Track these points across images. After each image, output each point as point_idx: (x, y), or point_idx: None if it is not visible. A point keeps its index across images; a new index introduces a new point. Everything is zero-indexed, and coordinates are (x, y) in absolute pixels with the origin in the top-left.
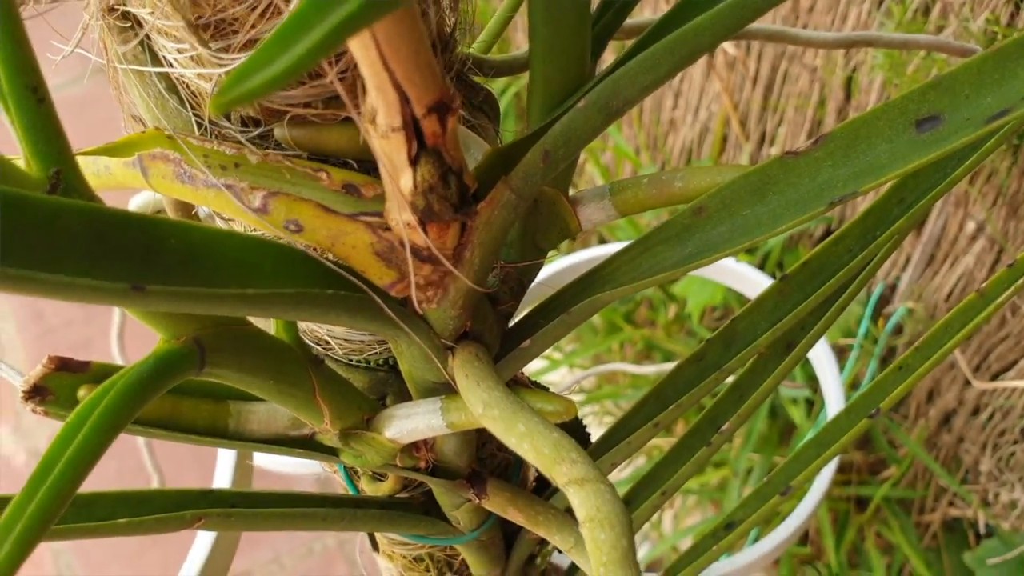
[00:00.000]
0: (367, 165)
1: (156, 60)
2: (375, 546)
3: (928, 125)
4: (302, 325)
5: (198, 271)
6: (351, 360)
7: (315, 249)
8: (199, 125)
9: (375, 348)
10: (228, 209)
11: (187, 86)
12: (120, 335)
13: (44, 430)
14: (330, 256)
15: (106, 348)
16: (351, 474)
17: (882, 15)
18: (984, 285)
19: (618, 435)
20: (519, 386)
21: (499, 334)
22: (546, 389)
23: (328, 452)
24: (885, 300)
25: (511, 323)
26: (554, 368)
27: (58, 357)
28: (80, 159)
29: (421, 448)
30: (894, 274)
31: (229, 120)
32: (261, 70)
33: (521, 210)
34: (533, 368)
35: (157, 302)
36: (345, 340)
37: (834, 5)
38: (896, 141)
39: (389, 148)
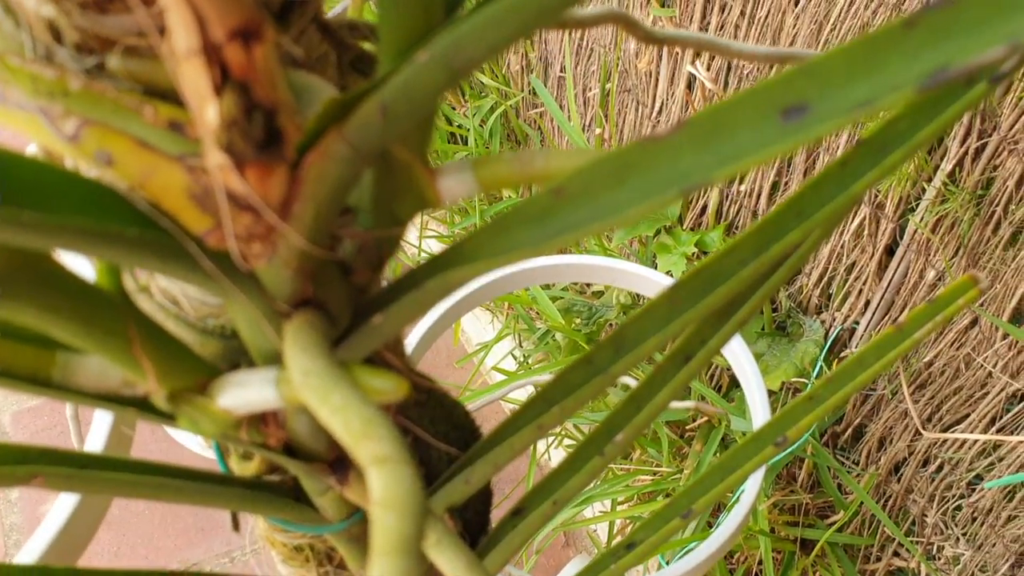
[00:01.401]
0: None
1: None
2: (235, 526)
3: (795, 115)
4: (159, 283)
5: None
6: (206, 324)
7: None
8: (34, 53)
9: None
10: (38, 134)
11: (22, 9)
12: None
13: None
14: (144, 196)
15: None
16: (222, 450)
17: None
18: (902, 320)
19: (503, 435)
20: (369, 364)
21: (350, 306)
22: (396, 370)
23: (165, 416)
24: (842, 343)
25: (368, 299)
26: (514, 380)
27: None
28: None
29: (270, 423)
30: (852, 318)
31: (62, 45)
32: None
33: (360, 166)
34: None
35: None
36: (201, 302)
37: (812, 43)
38: (760, 129)
39: (191, 74)
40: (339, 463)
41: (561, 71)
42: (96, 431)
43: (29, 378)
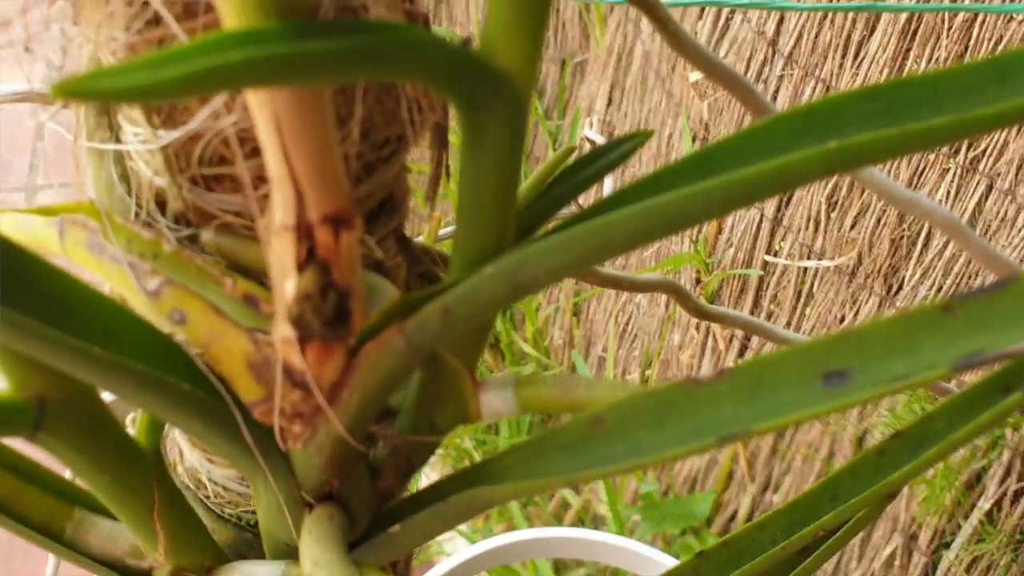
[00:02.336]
0: None
1: (117, 143)
2: None
3: (836, 380)
4: (186, 463)
5: (53, 312)
6: (223, 512)
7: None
8: (137, 216)
9: (251, 505)
10: (123, 287)
11: (137, 177)
12: None
13: None
14: (205, 357)
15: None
16: None
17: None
18: None
19: None
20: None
21: (371, 510)
22: None
23: None
24: None
25: (389, 507)
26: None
27: None
28: (9, 215)
29: None
30: None
31: (164, 215)
32: (115, 76)
33: (411, 363)
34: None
35: None
36: (223, 488)
37: None
38: (802, 389)
39: (280, 248)
40: None
41: (603, 351)
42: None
43: (42, 528)
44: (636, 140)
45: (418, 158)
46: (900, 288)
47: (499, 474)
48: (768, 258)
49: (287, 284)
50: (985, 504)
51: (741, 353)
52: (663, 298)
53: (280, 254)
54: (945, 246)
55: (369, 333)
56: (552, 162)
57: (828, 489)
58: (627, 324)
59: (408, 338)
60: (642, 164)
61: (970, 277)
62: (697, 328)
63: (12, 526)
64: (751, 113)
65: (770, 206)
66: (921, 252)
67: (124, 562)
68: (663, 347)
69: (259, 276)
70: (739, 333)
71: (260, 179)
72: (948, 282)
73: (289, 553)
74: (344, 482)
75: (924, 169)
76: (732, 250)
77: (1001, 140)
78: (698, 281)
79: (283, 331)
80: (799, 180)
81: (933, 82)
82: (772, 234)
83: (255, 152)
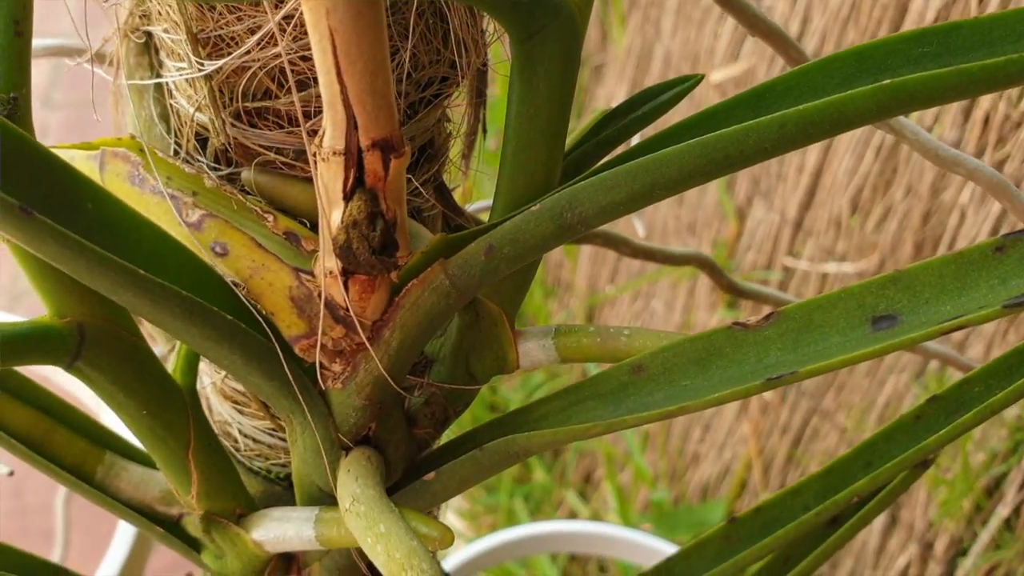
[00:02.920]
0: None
1: (159, 83)
2: None
3: (885, 323)
4: (216, 416)
5: (101, 233)
6: (252, 464)
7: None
8: (176, 154)
9: (281, 457)
10: (164, 220)
11: (178, 115)
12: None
13: None
14: (246, 290)
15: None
16: None
17: (918, 384)
18: None
19: None
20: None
21: (406, 458)
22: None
23: (190, 544)
24: None
25: (424, 455)
26: None
27: None
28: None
29: (292, 572)
30: None
31: (204, 154)
32: None
33: (453, 304)
34: None
35: (39, 238)
36: (253, 440)
37: (873, 369)
38: (849, 335)
39: (328, 174)
40: None
41: None
42: (117, 544)
43: (73, 470)
44: (687, 83)
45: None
46: None
47: (536, 422)
48: (788, 261)
49: (334, 212)
50: (1004, 511)
51: None
52: (679, 303)
53: (328, 181)
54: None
55: (412, 272)
56: (597, 115)
57: (863, 455)
58: (644, 308)
59: (451, 276)
60: None
61: None
62: None
63: (43, 465)
64: (784, 58)
65: (791, 208)
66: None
67: (154, 508)
68: None
69: (299, 216)
70: None
71: (305, 115)
72: None
73: (322, 500)
74: (381, 426)
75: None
76: (752, 253)
77: None
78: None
79: (328, 264)
80: (852, 119)
81: (987, 26)
82: (793, 237)
83: (302, 85)
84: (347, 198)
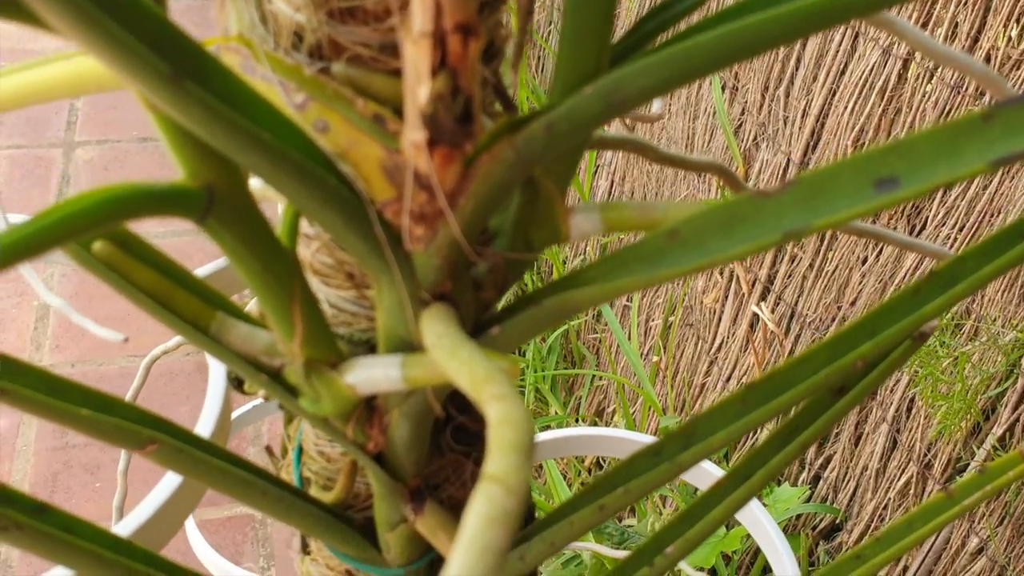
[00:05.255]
0: (399, 113)
1: None
2: (306, 549)
3: (887, 186)
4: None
5: (230, 105)
6: (337, 331)
7: None
8: (274, 48)
9: (362, 324)
10: (275, 99)
11: (275, 18)
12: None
13: None
14: (345, 161)
15: (116, 477)
16: (305, 482)
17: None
18: (952, 486)
19: (562, 513)
20: None
21: (474, 316)
22: None
23: (289, 391)
24: None
25: (486, 317)
26: None
27: None
28: None
29: (375, 426)
30: None
31: (299, 51)
32: None
33: (518, 175)
34: None
35: (188, 104)
36: (338, 309)
37: (874, 301)
38: (855, 196)
39: (417, 55)
40: (418, 492)
41: (627, 300)
42: (205, 417)
43: (191, 323)
44: None
45: None
46: (923, 228)
47: (586, 282)
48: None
49: (420, 88)
50: (998, 430)
51: (763, 296)
52: None
53: (416, 60)
54: (968, 185)
55: (482, 147)
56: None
57: (867, 326)
58: None
59: (517, 150)
60: (671, 115)
61: (992, 215)
62: (721, 273)
63: (168, 319)
64: None
65: (797, 150)
66: (944, 192)
67: (258, 360)
68: (687, 293)
69: (382, 102)
70: (762, 276)
71: (387, 12)
72: (971, 220)
73: (404, 349)
74: (455, 286)
75: (951, 109)
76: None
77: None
78: None
79: (415, 136)
80: (867, 6)
81: None
82: None
83: None
84: (433, 75)
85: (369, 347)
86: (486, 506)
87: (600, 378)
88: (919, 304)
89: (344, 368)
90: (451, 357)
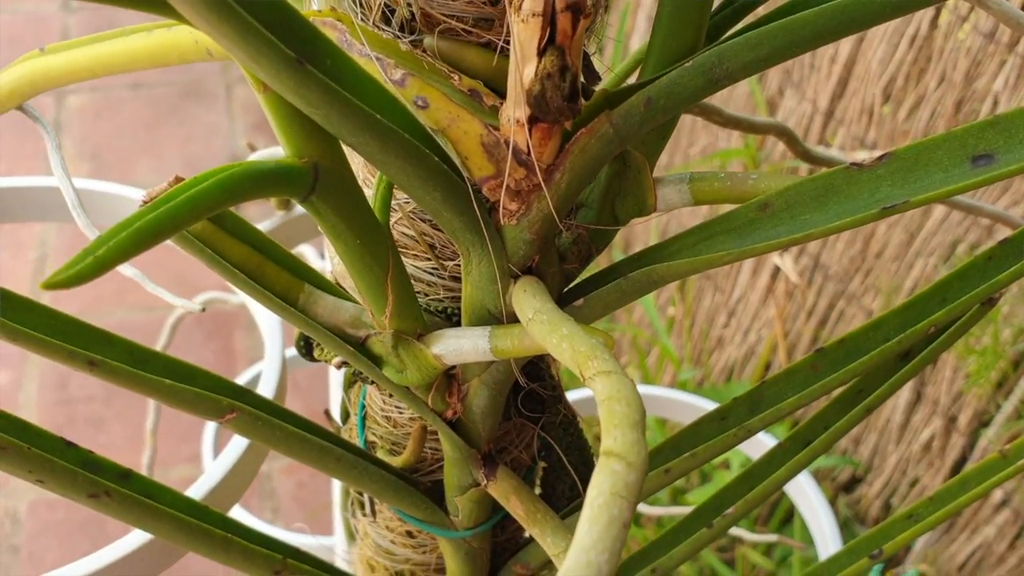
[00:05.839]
0: (492, 87)
1: None
2: (374, 512)
3: (983, 162)
4: None
5: (339, 84)
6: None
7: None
8: (365, 22)
9: (440, 293)
10: (375, 74)
11: None
12: (154, 429)
13: None
14: (444, 138)
15: (120, 431)
16: (370, 446)
17: (946, 267)
18: (1008, 447)
19: None
20: None
21: (558, 287)
22: None
23: (373, 361)
24: (897, 560)
25: (569, 289)
26: None
27: (182, 176)
28: None
29: (454, 394)
30: None
31: (390, 25)
32: None
33: (614, 149)
34: None
35: (307, 87)
36: (416, 279)
37: (901, 254)
38: (951, 171)
39: (525, 34)
40: (489, 458)
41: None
42: (266, 377)
43: (281, 296)
44: None
45: None
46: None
47: (672, 255)
48: (820, 151)
49: (527, 67)
50: None
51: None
52: None
53: (524, 39)
54: None
55: (580, 122)
56: None
57: (937, 293)
58: (667, 223)
59: (615, 125)
60: None
61: None
62: None
63: (259, 293)
64: None
65: (824, 97)
66: None
67: (344, 331)
68: None
69: (475, 76)
70: None
71: None
72: None
73: (490, 321)
74: (542, 259)
75: (984, 59)
76: (782, 144)
77: None
78: None
79: (516, 113)
80: None
81: None
82: (824, 127)
83: None
84: (540, 54)
85: (445, 316)
86: (610, 480)
87: (612, 327)
88: (992, 271)
89: (431, 339)
90: (552, 332)
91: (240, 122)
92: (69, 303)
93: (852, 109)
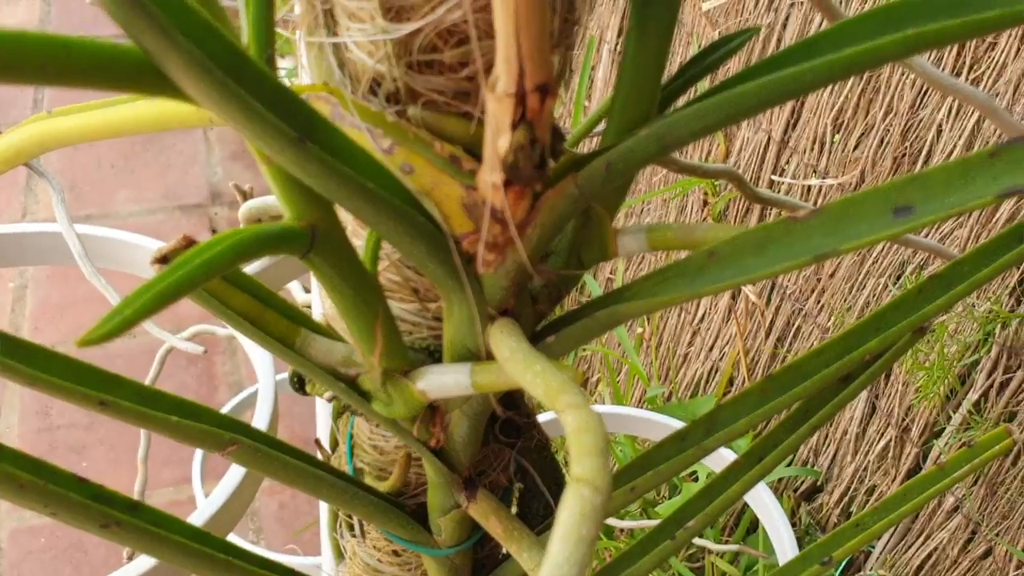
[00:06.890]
0: (470, 150)
1: (335, 37)
2: (363, 533)
3: (903, 213)
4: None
5: (336, 152)
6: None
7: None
8: (352, 94)
9: (423, 333)
10: (366, 145)
11: (354, 66)
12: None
13: None
14: (428, 200)
15: (103, 455)
16: (358, 472)
17: (896, 288)
18: (945, 460)
19: None
20: None
21: (531, 326)
22: None
23: (362, 396)
24: (856, 567)
25: (541, 327)
26: None
27: (190, 236)
28: None
29: (437, 424)
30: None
31: (376, 96)
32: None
33: (578, 206)
34: None
35: (308, 161)
36: (400, 320)
37: (853, 275)
38: (875, 222)
39: (499, 111)
40: (470, 482)
41: (611, 273)
42: (260, 411)
43: (280, 339)
44: (745, 36)
45: None
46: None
47: (633, 296)
48: (775, 178)
49: (500, 139)
50: (973, 396)
51: None
52: (671, 219)
53: (498, 116)
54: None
55: (550, 182)
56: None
57: (873, 322)
58: None
59: (580, 186)
60: None
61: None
62: None
63: (259, 336)
64: (825, 17)
65: (777, 128)
66: (922, 168)
67: (336, 370)
68: None
69: (454, 143)
70: None
71: (462, 64)
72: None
73: (469, 359)
74: (517, 301)
75: (928, 91)
76: (740, 171)
77: (1000, 61)
78: (705, 203)
79: (492, 178)
80: (885, 59)
81: None
82: (779, 155)
83: (461, 43)
84: (513, 128)
85: (428, 353)
86: (578, 504)
87: (584, 348)
88: (922, 303)
89: (415, 376)
90: (526, 370)
91: (217, 152)
92: (49, 333)
93: (805, 138)
